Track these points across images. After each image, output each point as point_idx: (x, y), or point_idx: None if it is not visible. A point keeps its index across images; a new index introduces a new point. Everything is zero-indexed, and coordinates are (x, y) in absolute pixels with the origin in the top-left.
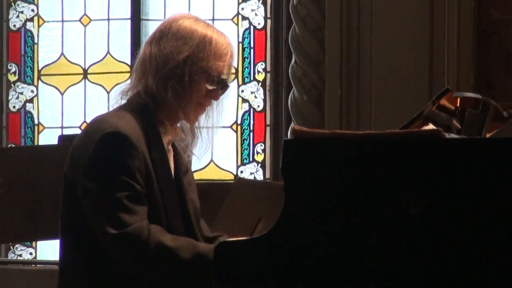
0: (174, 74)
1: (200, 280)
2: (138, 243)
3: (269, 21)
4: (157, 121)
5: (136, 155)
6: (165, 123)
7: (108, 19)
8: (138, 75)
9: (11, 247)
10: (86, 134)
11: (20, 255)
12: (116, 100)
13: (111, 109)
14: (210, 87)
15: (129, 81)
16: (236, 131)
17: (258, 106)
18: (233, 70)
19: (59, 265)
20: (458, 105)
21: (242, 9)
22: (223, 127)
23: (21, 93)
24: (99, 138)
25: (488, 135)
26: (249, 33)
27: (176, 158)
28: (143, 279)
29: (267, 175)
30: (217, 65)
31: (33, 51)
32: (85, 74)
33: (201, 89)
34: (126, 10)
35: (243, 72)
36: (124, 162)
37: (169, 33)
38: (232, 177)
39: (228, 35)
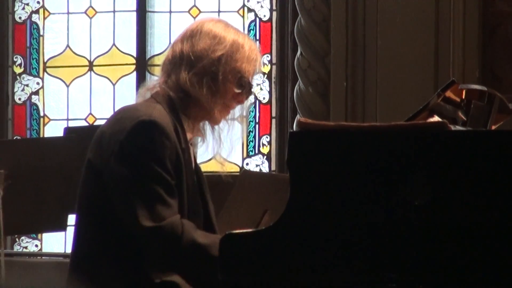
0: (208, 71)
1: None
2: (173, 238)
3: (274, 13)
4: (182, 117)
5: (169, 145)
6: (189, 120)
7: (114, 11)
8: (167, 72)
9: (17, 239)
10: (118, 121)
11: (26, 247)
12: (141, 95)
13: (118, 98)
14: (238, 90)
15: (155, 78)
16: (242, 123)
17: (264, 98)
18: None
19: (72, 254)
20: (463, 97)
21: (248, 1)
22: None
23: (27, 85)
24: (133, 125)
25: (493, 127)
26: (255, 25)
27: (195, 156)
28: (173, 272)
29: (273, 167)
30: (249, 69)
31: (38, 43)
32: (91, 66)
33: (231, 90)
34: (131, 2)
35: None
36: (158, 151)
37: (201, 31)
38: (238, 169)
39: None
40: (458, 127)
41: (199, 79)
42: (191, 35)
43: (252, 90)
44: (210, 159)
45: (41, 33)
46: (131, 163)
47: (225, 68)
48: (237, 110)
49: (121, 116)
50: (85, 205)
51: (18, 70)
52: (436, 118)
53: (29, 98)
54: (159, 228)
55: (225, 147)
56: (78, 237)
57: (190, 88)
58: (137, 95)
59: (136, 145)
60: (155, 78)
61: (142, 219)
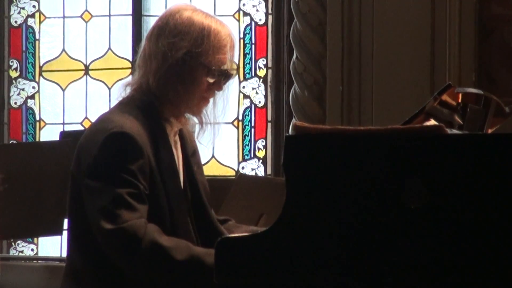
0: (173, 72)
1: (192, 282)
2: (133, 239)
3: (270, 17)
4: (162, 118)
5: (141, 155)
6: (170, 118)
7: (109, 15)
8: (141, 71)
9: (13, 243)
10: (92, 133)
11: (22, 251)
12: (119, 93)
13: (114, 102)
14: (211, 80)
15: (131, 76)
16: (237, 127)
17: (260, 102)
18: (236, 59)
19: (66, 261)
20: (460, 100)
21: (244, 5)
22: (225, 123)
23: (23, 89)
24: (104, 138)
25: (489, 131)
26: (251, 29)
27: (184, 144)
28: (135, 276)
29: (268, 171)
30: (217, 58)
31: (34, 47)
32: (87, 70)
33: (202, 83)
34: (127, 6)
35: (244, 68)
36: (128, 162)
37: (166, 29)
38: (234, 173)
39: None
40: (455, 131)
41: (165, 82)
42: (158, 33)
43: (231, 73)
44: (207, 162)
45: (37, 37)
46: (101, 176)
47: (190, 65)
48: (220, 94)
49: (96, 128)
50: (72, 216)
51: (14, 74)
52: (432, 122)
53: (25, 102)
54: (120, 229)
55: (212, 133)
56: (68, 245)
57: (157, 92)
58: (117, 93)
59: (107, 159)
60: (133, 76)
61: (103, 222)
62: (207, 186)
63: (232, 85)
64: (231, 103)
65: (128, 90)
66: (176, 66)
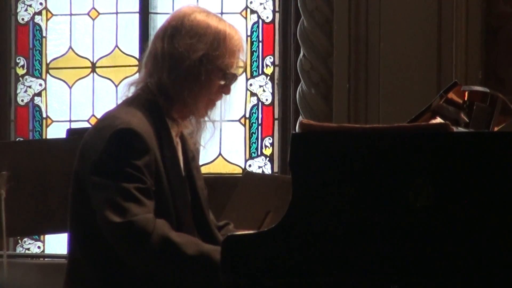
0: (190, 73)
1: (200, 278)
2: (143, 233)
3: (277, 15)
4: (167, 117)
5: (147, 152)
6: (175, 118)
7: (117, 13)
8: (149, 70)
9: (19, 241)
10: (98, 130)
11: (28, 249)
12: (124, 92)
13: (118, 101)
14: (223, 83)
15: (137, 74)
16: (244, 125)
17: (267, 100)
18: (242, 63)
19: (68, 259)
20: (466, 98)
21: (251, 2)
22: (232, 120)
23: (29, 87)
24: (110, 134)
25: (496, 129)
26: (258, 26)
27: (184, 147)
28: (142, 271)
29: (275, 169)
30: (231, 62)
31: (41, 44)
32: (93, 67)
33: (215, 85)
34: (134, 4)
35: (251, 65)
36: (134, 158)
37: (182, 29)
38: (240, 170)
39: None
40: (461, 129)
41: (181, 82)
42: (172, 34)
43: (237, 76)
44: (214, 160)
45: (44, 35)
46: (108, 172)
47: (207, 68)
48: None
49: (102, 126)
50: (74, 215)
51: (20, 71)
52: (438, 120)
53: (32, 99)
54: (129, 222)
55: (210, 134)
56: (70, 243)
57: (172, 91)
58: (121, 92)
59: (113, 155)
60: (137, 75)
61: (111, 215)
62: (205, 191)
63: (234, 89)
64: (238, 101)
65: (133, 89)
66: (194, 67)
